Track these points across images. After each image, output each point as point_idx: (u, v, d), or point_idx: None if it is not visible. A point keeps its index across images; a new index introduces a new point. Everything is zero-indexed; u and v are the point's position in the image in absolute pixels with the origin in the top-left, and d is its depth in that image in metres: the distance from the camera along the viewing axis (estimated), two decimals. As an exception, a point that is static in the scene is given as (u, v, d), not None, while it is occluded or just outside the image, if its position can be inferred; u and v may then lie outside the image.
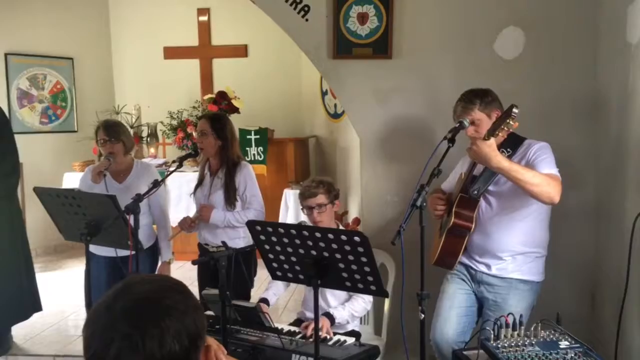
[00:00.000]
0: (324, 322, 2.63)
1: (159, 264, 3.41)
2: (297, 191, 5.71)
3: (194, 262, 2.57)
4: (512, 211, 2.57)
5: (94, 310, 1.06)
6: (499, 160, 2.35)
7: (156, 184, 2.97)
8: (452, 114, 2.68)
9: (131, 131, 5.20)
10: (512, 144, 2.55)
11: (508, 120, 2.25)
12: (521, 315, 2.14)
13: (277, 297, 3.00)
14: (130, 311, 1.02)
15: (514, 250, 2.59)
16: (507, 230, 2.58)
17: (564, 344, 2.03)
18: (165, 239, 3.38)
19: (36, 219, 5.80)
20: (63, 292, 5.21)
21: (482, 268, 2.65)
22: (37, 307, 3.99)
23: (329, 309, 2.79)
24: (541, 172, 2.42)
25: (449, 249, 2.61)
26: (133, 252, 2.81)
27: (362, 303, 2.83)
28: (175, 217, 3.75)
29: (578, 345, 2.02)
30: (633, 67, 2.71)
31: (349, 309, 2.81)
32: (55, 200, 2.92)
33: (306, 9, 3.35)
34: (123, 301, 1.04)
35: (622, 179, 2.87)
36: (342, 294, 2.87)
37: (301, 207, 2.98)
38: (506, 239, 2.58)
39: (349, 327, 2.91)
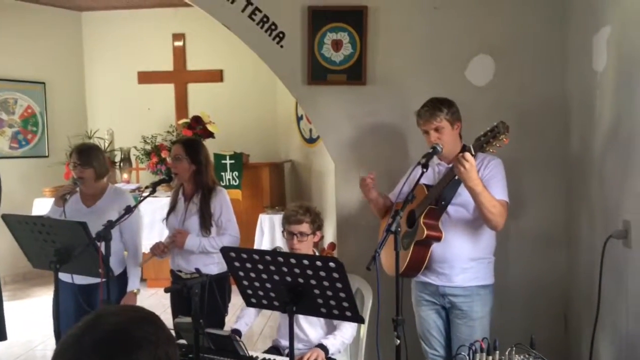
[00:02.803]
0: (318, 354, 2.60)
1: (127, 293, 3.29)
2: (273, 216, 5.77)
3: (166, 290, 2.53)
4: (469, 220, 2.68)
5: (62, 343, 1.03)
6: (478, 183, 2.45)
7: (128, 210, 2.92)
8: (421, 133, 2.74)
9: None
10: None
11: (501, 137, 2.28)
12: (495, 340, 2.15)
13: (248, 326, 2.94)
14: (99, 344, 1.00)
15: (472, 256, 2.69)
16: (463, 238, 2.68)
17: (538, 368, 2.04)
18: (134, 268, 3.29)
19: (4, 246, 5.64)
20: (31, 322, 5.07)
21: (443, 281, 2.72)
22: (2, 336, 3.87)
23: (319, 339, 2.74)
24: (495, 197, 2.53)
25: (416, 259, 2.66)
26: (104, 280, 2.75)
27: (350, 329, 2.78)
28: (148, 243, 3.69)
29: (552, 369, 2.03)
30: (600, 94, 2.79)
31: (340, 338, 2.75)
32: (24, 227, 2.85)
33: (281, 35, 3.38)
34: (92, 334, 1.01)
35: (590, 203, 2.93)
36: (317, 320, 2.85)
37: (282, 230, 2.95)
38: (464, 246, 2.68)
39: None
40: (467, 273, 2.69)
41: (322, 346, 2.67)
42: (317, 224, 2.89)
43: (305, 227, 2.83)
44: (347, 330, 2.77)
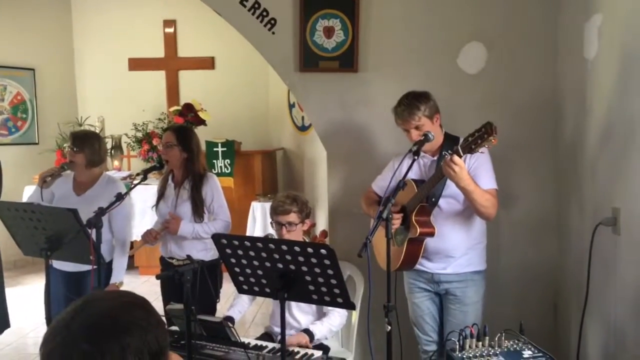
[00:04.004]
0: (303, 338, 2.61)
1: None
2: (265, 204, 5.76)
3: (157, 277, 2.53)
4: (460, 211, 2.69)
5: (52, 327, 1.03)
6: (470, 182, 2.45)
7: (119, 197, 2.91)
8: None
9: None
10: (450, 146, 2.51)
11: (489, 138, 2.22)
12: (485, 326, 2.17)
13: (242, 314, 2.96)
14: (89, 328, 0.99)
15: (466, 246, 2.72)
16: (458, 229, 2.69)
17: (527, 353, 2.07)
18: (121, 258, 3.24)
19: (-6, 234, 5.62)
20: (23, 309, 5.06)
21: (439, 270, 2.74)
22: (6, 324, 3.88)
23: (308, 325, 2.76)
24: (483, 188, 2.53)
25: (410, 255, 2.68)
26: (95, 267, 2.74)
27: (339, 317, 2.80)
28: (139, 231, 3.68)
29: (541, 354, 2.06)
30: (590, 82, 2.79)
31: (327, 325, 2.77)
32: (14, 214, 2.84)
33: (273, 22, 3.36)
34: (82, 318, 1.01)
35: (580, 191, 2.95)
36: (308, 308, 2.86)
37: (270, 221, 2.95)
38: (459, 237, 2.70)
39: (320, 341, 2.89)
40: (462, 261, 2.72)
41: (307, 331, 2.69)
42: (305, 213, 2.88)
43: (293, 217, 2.82)
44: (335, 318, 2.79)
